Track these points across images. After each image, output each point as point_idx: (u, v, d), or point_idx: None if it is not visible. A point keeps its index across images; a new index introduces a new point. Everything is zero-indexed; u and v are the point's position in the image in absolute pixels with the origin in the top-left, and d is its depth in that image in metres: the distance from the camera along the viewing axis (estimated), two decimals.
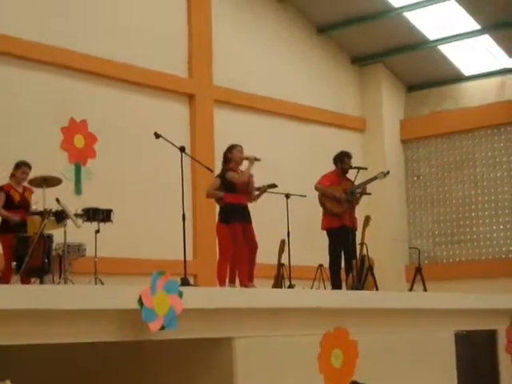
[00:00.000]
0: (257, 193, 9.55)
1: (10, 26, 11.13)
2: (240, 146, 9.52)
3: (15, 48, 11.16)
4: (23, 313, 6.34)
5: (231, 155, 9.44)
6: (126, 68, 12.36)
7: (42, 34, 11.44)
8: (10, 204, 9.43)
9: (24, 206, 9.48)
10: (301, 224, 11.32)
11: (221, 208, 9.49)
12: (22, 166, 9.60)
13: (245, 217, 9.34)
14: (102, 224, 10.16)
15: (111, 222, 10.25)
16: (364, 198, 10.47)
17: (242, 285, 9.23)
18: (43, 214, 8.95)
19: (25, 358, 8.26)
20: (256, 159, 9.37)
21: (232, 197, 9.28)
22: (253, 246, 9.37)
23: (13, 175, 9.61)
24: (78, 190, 11.71)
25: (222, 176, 9.42)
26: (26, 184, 9.66)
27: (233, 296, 7.67)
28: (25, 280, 8.89)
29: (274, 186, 9.71)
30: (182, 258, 8.26)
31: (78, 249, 10.28)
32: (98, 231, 10.05)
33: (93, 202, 10.48)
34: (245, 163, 9.46)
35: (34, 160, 9.92)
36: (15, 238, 9.11)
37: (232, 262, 9.29)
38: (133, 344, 7.35)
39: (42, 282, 8.85)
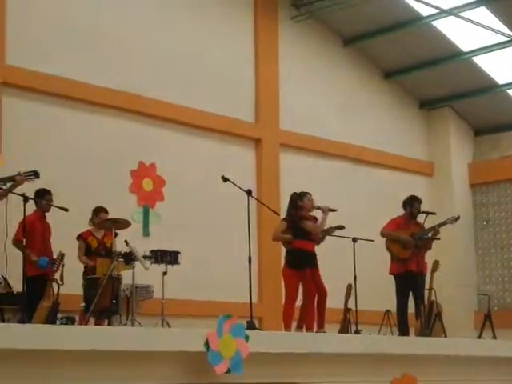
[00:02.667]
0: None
1: (82, 72, 11.41)
2: (310, 193, 9.61)
3: (88, 94, 11.43)
4: (90, 354, 6.41)
5: (302, 203, 9.50)
6: (194, 113, 12.53)
7: (114, 81, 11.70)
8: (87, 251, 9.69)
9: (102, 251, 9.66)
10: (368, 268, 11.23)
11: (288, 252, 9.51)
12: (100, 212, 9.83)
13: (313, 262, 9.39)
14: (169, 266, 10.26)
15: (178, 264, 10.34)
16: (433, 243, 10.37)
17: (309, 329, 9.21)
18: (112, 255, 9.09)
19: None
20: (330, 210, 9.46)
21: (302, 243, 9.33)
22: (322, 292, 9.41)
23: (91, 221, 9.85)
24: (145, 233, 11.86)
25: (292, 221, 9.45)
26: None
27: (299, 341, 7.65)
28: (95, 321, 9.01)
29: (341, 227, 9.72)
30: (247, 301, 8.28)
31: (146, 290, 10.37)
32: (165, 273, 10.15)
33: (160, 245, 10.58)
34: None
35: (104, 203, 10.14)
36: (85, 280, 9.27)
37: (301, 307, 9.31)
38: None
39: (110, 323, 8.95)
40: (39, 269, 8.94)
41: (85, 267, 9.67)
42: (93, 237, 9.82)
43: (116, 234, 9.60)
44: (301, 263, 9.27)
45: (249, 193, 8.61)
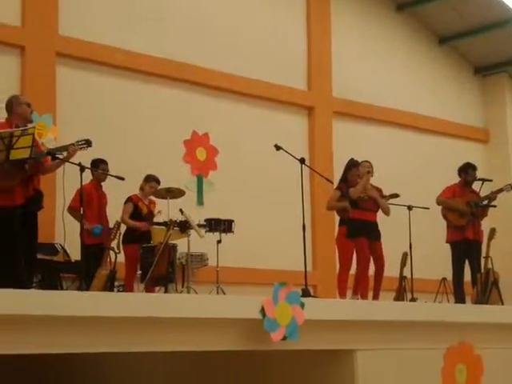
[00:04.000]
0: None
1: (136, 42, 11.46)
2: (366, 161, 9.55)
3: (141, 64, 11.49)
4: (147, 321, 6.49)
5: (357, 171, 9.46)
6: (246, 82, 12.52)
7: (167, 50, 11.74)
8: (137, 215, 9.71)
9: (150, 218, 9.72)
10: (424, 237, 11.16)
11: (344, 221, 9.46)
12: (151, 181, 9.87)
13: (372, 233, 9.35)
14: (223, 234, 10.32)
15: (232, 232, 10.40)
16: (489, 210, 10.25)
17: (363, 298, 9.21)
18: (168, 224, 9.16)
19: (145, 369, 8.43)
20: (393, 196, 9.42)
21: (358, 212, 9.30)
22: (380, 263, 9.39)
23: (141, 188, 9.89)
24: (199, 201, 11.90)
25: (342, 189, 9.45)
26: (151, 197, 9.93)
27: (355, 308, 7.63)
28: (149, 289, 9.11)
29: (396, 195, 9.65)
30: (301, 269, 8.28)
31: (201, 258, 10.47)
32: (219, 241, 10.21)
33: (214, 213, 10.64)
34: None
35: (158, 172, 10.20)
36: (140, 248, 9.36)
37: (356, 275, 9.31)
38: (253, 354, 7.42)
39: (166, 291, 9.05)
40: (96, 237, 9.04)
41: (128, 231, 9.66)
42: (142, 202, 9.86)
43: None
44: (357, 232, 9.23)
45: (302, 161, 8.57)
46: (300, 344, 6.94)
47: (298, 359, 7.63)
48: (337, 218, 9.92)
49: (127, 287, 9.39)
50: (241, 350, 7.17)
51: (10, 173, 7.04)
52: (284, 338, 6.74)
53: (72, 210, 8.79)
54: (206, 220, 10.24)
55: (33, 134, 7.05)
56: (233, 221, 10.44)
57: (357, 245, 9.26)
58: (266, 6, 13.02)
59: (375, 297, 9.35)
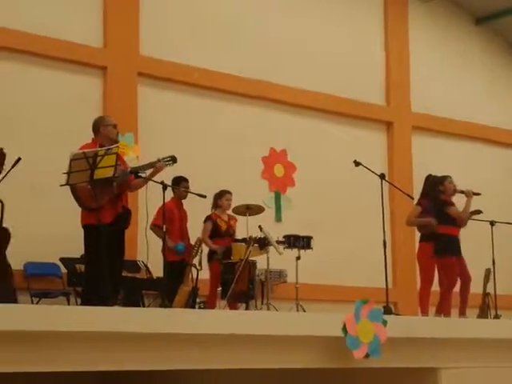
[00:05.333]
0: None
1: (214, 61, 11.57)
2: (450, 177, 9.45)
3: (220, 82, 11.60)
4: (229, 338, 6.53)
5: (443, 187, 9.36)
6: (324, 98, 12.52)
7: (246, 68, 11.82)
8: (217, 233, 9.80)
9: (229, 234, 9.80)
10: (507, 252, 10.96)
11: (430, 237, 9.34)
12: (225, 194, 9.96)
13: (458, 249, 9.27)
14: (302, 251, 10.32)
15: (311, 248, 10.38)
16: None
17: (446, 315, 9.10)
18: (248, 241, 9.21)
19: None
20: (475, 194, 9.31)
21: (446, 228, 9.21)
22: (466, 279, 9.29)
23: (217, 205, 9.97)
24: (278, 218, 11.96)
25: (435, 206, 9.33)
26: (229, 212, 10.00)
27: (438, 326, 7.55)
28: (232, 305, 9.17)
29: (478, 212, 9.51)
30: (380, 286, 8.24)
31: (280, 275, 10.48)
32: (298, 258, 10.21)
33: (292, 230, 10.66)
34: None
35: (236, 189, 10.27)
36: (221, 265, 9.44)
37: (442, 294, 9.21)
38: (335, 372, 7.38)
39: (247, 308, 9.08)
40: (178, 254, 9.15)
41: (210, 249, 9.78)
42: (221, 219, 9.93)
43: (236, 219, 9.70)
44: (445, 249, 9.14)
45: (382, 177, 8.54)
46: (382, 362, 6.90)
47: (381, 377, 7.57)
48: (417, 234, 9.83)
49: (210, 304, 9.47)
50: (322, 367, 7.15)
51: (99, 192, 7.20)
52: (366, 356, 6.72)
53: (155, 227, 8.92)
54: (284, 237, 10.25)
55: (116, 153, 7.19)
56: (311, 237, 10.42)
57: (445, 263, 9.15)
58: (342, 22, 13.02)
59: (462, 314, 9.22)
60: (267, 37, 12.20)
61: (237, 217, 10.04)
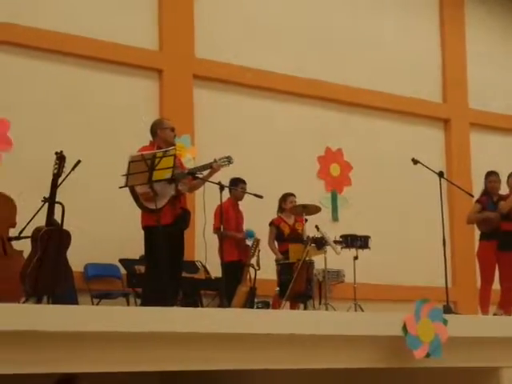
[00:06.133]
0: None
1: (267, 61, 11.57)
2: (495, 172, 9.35)
3: (274, 82, 11.58)
4: (289, 338, 6.54)
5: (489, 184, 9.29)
6: (380, 96, 12.43)
7: (299, 68, 11.80)
8: (280, 237, 9.84)
9: (294, 237, 9.80)
10: None
11: (497, 235, 9.23)
12: (288, 196, 9.99)
13: None
14: (359, 250, 10.26)
15: (369, 248, 10.32)
16: None
17: (507, 314, 8.97)
18: (305, 241, 9.20)
19: None
20: None
21: (506, 224, 9.10)
22: None
23: (281, 208, 10.00)
24: (334, 218, 11.93)
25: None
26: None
27: (499, 324, 7.46)
28: (293, 305, 9.17)
29: None
30: (439, 284, 8.18)
31: (337, 275, 10.43)
32: (356, 258, 10.16)
33: (349, 229, 10.61)
34: None
35: (292, 189, 10.29)
36: (278, 265, 9.45)
37: (504, 291, 9.10)
38: (395, 371, 7.34)
39: (305, 308, 9.08)
40: (235, 253, 9.17)
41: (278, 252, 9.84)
42: (285, 223, 9.97)
43: (306, 220, 9.71)
44: (508, 245, 9.03)
45: (440, 175, 8.48)
46: (443, 361, 6.85)
47: (441, 377, 7.51)
48: (477, 233, 9.71)
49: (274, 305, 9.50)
50: (381, 367, 7.12)
51: (158, 193, 7.29)
52: (427, 356, 6.67)
53: (216, 230, 8.96)
54: (342, 236, 10.20)
55: (174, 155, 7.26)
56: (369, 237, 10.36)
57: (508, 259, 9.03)
58: (396, 18, 12.91)
59: None
60: (321, 36, 12.15)
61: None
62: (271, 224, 9.97)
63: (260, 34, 11.67)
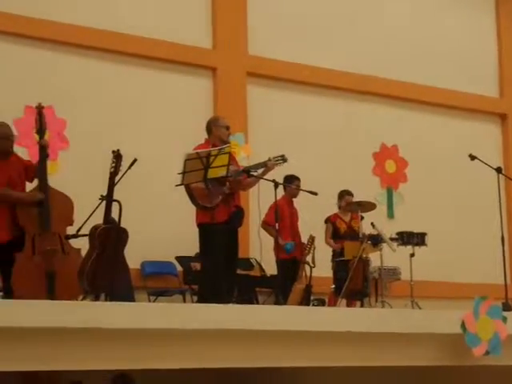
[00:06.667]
0: None
1: (323, 58, 11.53)
2: None
3: (329, 79, 11.55)
4: (345, 335, 6.51)
5: None
6: (435, 91, 12.30)
7: (353, 64, 11.73)
8: (336, 234, 9.81)
9: (350, 235, 9.76)
10: None
11: None
12: (345, 195, 9.96)
13: None
14: (416, 247, 10.16)
15: (426, 245, 10.22)
16: None
17: None
18: (361, 238, 9.15)
19: None
20: None
21: None
22: None
23: (339, 206, 9.99)
24: (390, 214, 11.84)
25: None
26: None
27: None
28: (350, 303, 9.13)
29: None
30: (496, 282, 8.07)
31: (393, 272, 10.34)
32: (412, 255, 10.05)
33: (405, 226, 10.50)
34: None
35: (348, 186, 10.24)
36: (333, 262, 9.42)
37: None
38: (453, 369, 7.26)
39: (362, 305, 9.03)
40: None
41: (333, 250, 9.82)
42: (341, 220, 9.93)
43: (362, 217, 9.66)
44: None
45: (499, 170, 8.36)
46: (503, 359, 6.75)
47: (501, 375, 7.41)
48: None
49: (331, 303, 9.47)
50: (440, 365, 7.05)
51: (213, 191, 7.32)
52: (486, 353, 6.58)
53: (266, 225, 8.99)
54: (398, 233, 10.11)
55: (229, 153, 7.28)
56: (426, 234, 10.25)
57: None
58: (452, 13, 12.76)
59: None
60: (377, 32, 12.06)
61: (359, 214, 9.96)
62: (327, 221, 9.94)
63: (313, 30, 11.63)
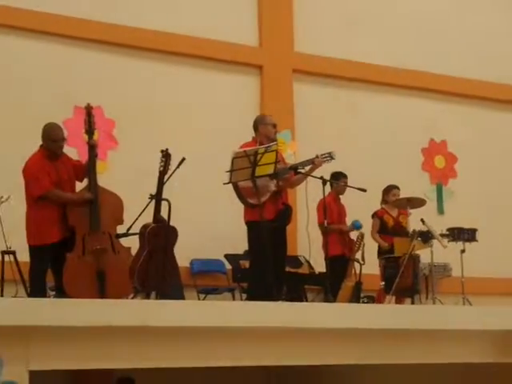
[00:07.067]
0: None
1: (368, 54, 11.45)
2: None
3: (374, 75, 11.47)
4: (395, 333, 6.47)
5: None
6: (485, 86, 12.14)
7: (399, 59, 11.63)
8: (383, 229, 9.72)
9: (397, 230, 9.68)
10: None
11: None
12: (392, 189, 9.86)
13: None
14: (467, 243, 10.05)
15: (476, 241, 10.10)
16: None
17: None
18: (411, 234, 9.07)
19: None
20: None
21: None
22: None
23: (384, 200, 9.89)
24: (440, 210, 11.74)
25: None
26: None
27: None
28: (399, 300, 9.06)
29: None
30: None
31: (444, 269, 10.26)
32: (463, 251, 9.95)
33: (455, 222, 10.39)
34: None
35: (396, 182, 10.13)
36: (383, 259, 9.35)
37: None
38: (505, 366, 7.19)
39: (413, 302, 8.96)
40: (340, 248, 9.11)
41: (379, 246, 9.74)
42: (388, 215, 9.84)
43: (410, 213, 9.57)
44: None
45: None
46: None
47: None
48: None
49: (378, 300, 9.40)
50: (493, 362, 6.98)
51: (260, 189, 7.33)
52: None
53: (321, 225, 8.92)
54: (448, 229, 10.00)
55: (276, 151, 7.28)
56: (476, 229, 10.13)
57: None
58: (503, 8, 12.57)
59: None
60: (425, 27, 11.93)
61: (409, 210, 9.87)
62: (374, 216, 9.83)
63: (360, 26, 11.58)
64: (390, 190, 9.90)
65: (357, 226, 9.12)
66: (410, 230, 9.20)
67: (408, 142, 11.57)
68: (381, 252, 9.62)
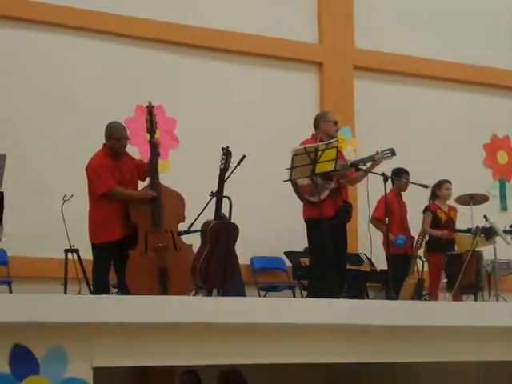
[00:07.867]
0: None
1: (431, 49, 11.33)
2: None
3: (436, 71, 11.35)
4: (458, 329, 6.42)
5: None
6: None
7: (462, 55, 11.48)
8: (436, 224, 9.58)
9: (449, 225, 9.56)
10: None
11: None
12: (444, 183, 9.72)
13: None
14: None
15: None
16: None
17: None
18: (474, 231, 8.96)
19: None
20: None
21: None
22: None
23: (435, 195, 9.74)
24: (503, 207, 11.57)
25: None
26: (449, 202, 9.76)
27: None
28: (457, 297, 8.96)
29: None
30: None
31: (508, 266, 10.09)
32: None
33: None
34: None
35: (458, 178, 10.05)
36: (445, 256, 9.24)
37: None
38: None
39: (476, 299, 8.86)
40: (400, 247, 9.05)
41: (431, 240, 9.52)
42: (441, 210, 9.69)
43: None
44: None
45: None
46: None
47: None
48: None
49: (433, 296, 9.31)
50: None
51: (320, 186, 7.32)
52: None
53: (376, 220, 8.89)
54: (511, 226, 9.86)
55: (336, 147, 7.25)
56: None
57: None
58: None
59: None
60: (485, 22, 11.77)
61: (458, 207, 9.77)
62: (427, 210, 9.65)
63: (420, 22, 11.45)
64: (441, 184, 9.72)
65: (399, 244, 8.98)
66: (459, 225, 9.12)
67: (469, 138, 11.43)
68: (430, 248, 9.47)
